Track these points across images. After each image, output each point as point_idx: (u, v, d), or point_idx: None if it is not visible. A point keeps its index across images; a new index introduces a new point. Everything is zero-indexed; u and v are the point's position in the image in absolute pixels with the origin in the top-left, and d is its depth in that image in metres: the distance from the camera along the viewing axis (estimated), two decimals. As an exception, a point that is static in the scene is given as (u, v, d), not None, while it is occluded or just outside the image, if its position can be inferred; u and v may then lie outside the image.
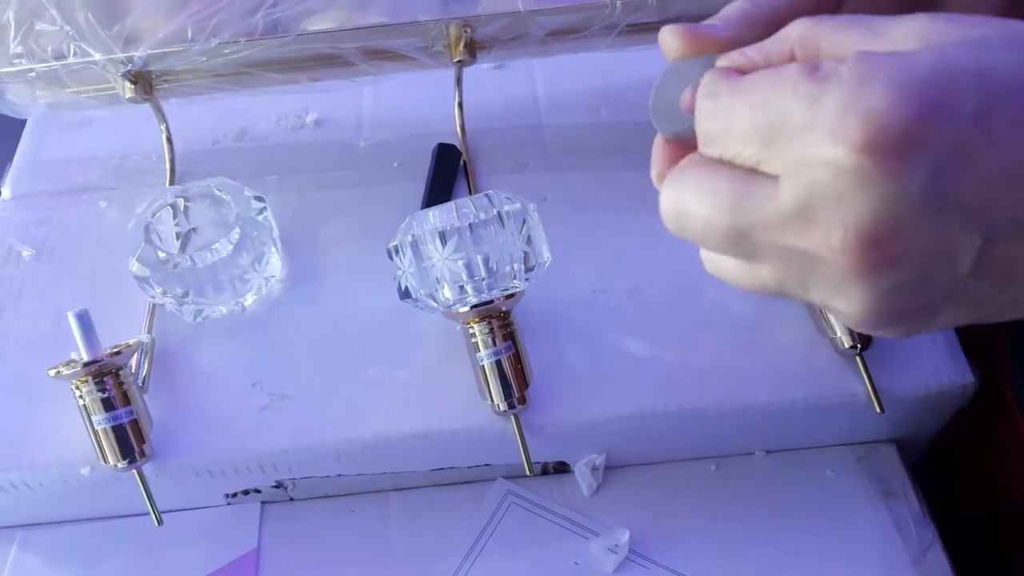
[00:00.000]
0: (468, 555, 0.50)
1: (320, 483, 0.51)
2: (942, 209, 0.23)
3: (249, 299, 0.52)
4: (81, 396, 0.45)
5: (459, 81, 0.59)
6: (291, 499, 0.52)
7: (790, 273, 0.26)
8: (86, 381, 0.45)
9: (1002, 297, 0.25)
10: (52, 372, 0.45)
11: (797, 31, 0.28)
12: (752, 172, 0.26)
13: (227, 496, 0.52)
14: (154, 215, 0.51)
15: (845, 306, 0.26)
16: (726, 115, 0.27)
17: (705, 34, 0.31)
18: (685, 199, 0.28)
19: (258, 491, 0.51)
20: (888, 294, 0.25)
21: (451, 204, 0.47)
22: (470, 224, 0.45)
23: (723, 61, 0.30)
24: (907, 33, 0.25)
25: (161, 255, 0.49)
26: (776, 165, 0.25)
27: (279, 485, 0.51)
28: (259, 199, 0.52)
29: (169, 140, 0.59)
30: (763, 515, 0.51)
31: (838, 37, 0.26)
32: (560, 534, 0.51)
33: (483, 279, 0.46)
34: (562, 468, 0.53)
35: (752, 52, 0.29)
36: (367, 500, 0.52)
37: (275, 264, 0.53)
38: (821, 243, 0.24)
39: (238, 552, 0.50)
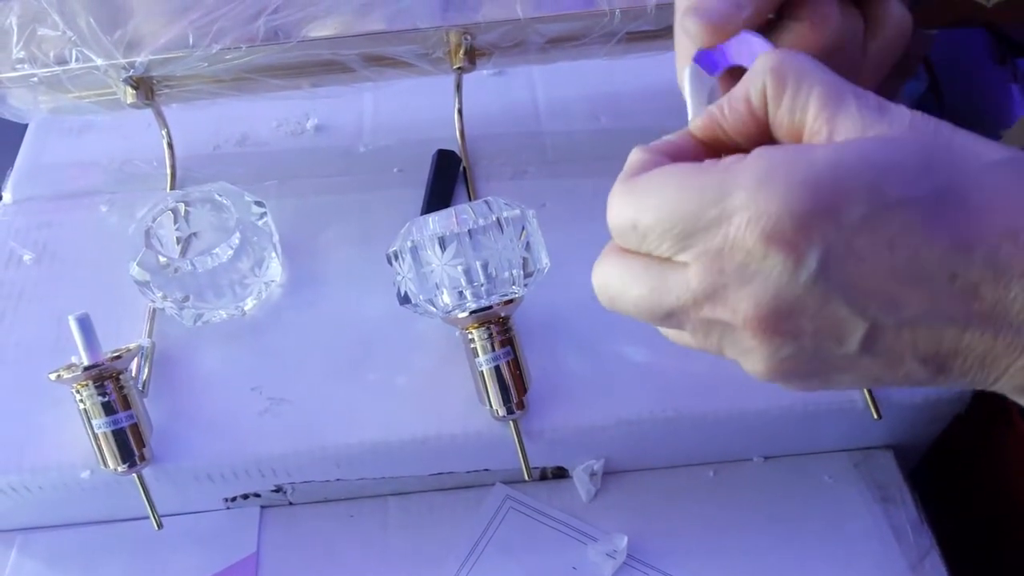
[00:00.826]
0: (466, 560, 0.50)
1: (319, 487, 0.51)
2: (829, 297, 0.26)
3: (249, 303, 0.52)
4: (81, 400, 0.45)
5: (459, 87, 0.59)
6: (290, 503, 0.52)
7: (708, 338, 0.30)
8: (86, 385, 0.45)
9: (894, 374, 0.28)
10: (53, 376, 0.45)
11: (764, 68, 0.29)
12: (666, 261, 0.29)
13: (226, 500, 0.52)
14: (155, 219, 0.51)
15: (751, 366, 0.29)
16: (635, 213, 0.29)
17: (727, 18, 0.33)
18: (612, 284, 0.32)
19: (257, 495, 0.51)
20: (786, 360, 0.28)
21: (451, 210, 0.47)
22: (469, 230, 0.46)
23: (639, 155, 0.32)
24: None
25: (162, 259, 0.49)
26: (686, 256, 0.28)
27: (278, 489, 0.51)
28: (259, 204, 0.52)
29: (170, 145, 0.59)
30: (761, 521, 0.51)
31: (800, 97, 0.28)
32: (558, 539, 0.51)
33: (482, 285, 0.46)
34: (560, 473, 0.53)
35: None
36: (366, 505, 0.52)
37: (275, 269, 0.53)
38: (729, 317, 0.28)
39: (237, 556, 0.50)
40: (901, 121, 0.27)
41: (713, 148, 0.32)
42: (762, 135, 0.30)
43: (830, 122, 0.27)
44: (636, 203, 0.29)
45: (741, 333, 0.28)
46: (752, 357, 0.29)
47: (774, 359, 0.28)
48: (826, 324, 0.26)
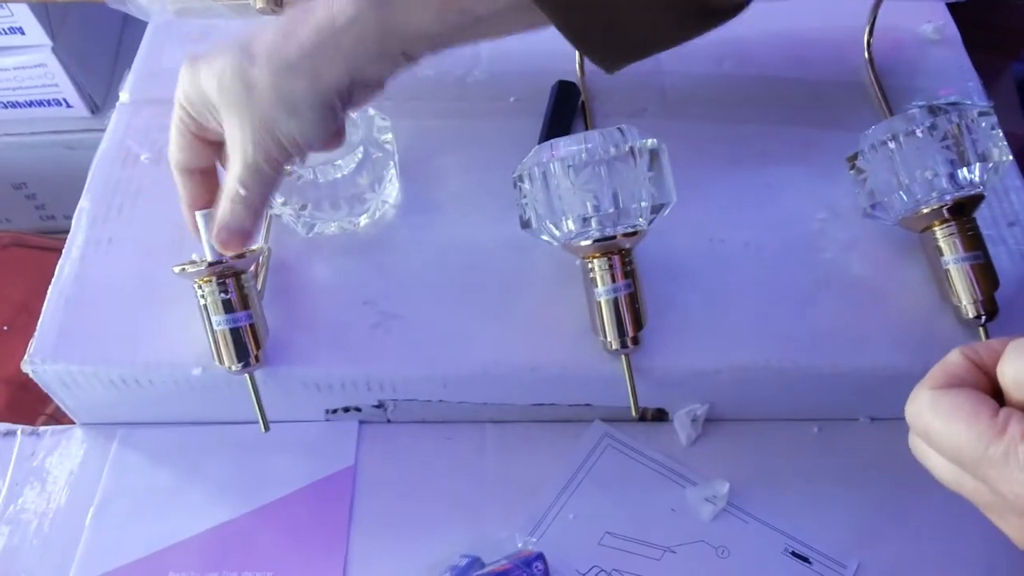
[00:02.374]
0: (564, 490, 0.50)
1: (420, 407, 0.51)
2: None
3: (363, 220, 0.52)
4: (203, 296, 0.45)
5: (584, 19, 0.57)
6: (388, 420, 0.53)
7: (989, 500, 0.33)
8: (209, 281, 0.45)
9: None
10: (177, 269, 0.45)
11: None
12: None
13: (327, 412, 0.52)
14: None
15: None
16: (927, 428, 0.34)
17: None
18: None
19: (358, 409, 0.52)
20: None
21: (581, 135, 0.46)
22: (605, 157, 0.45)
23: None
24: None
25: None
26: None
27: (380, 405, 0.51)
28: (383, 119, 0.52)
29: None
30: (864, 482, 0.50)
31: None
32: (656, 480, 0.50)
33: (609, 214, 0.45)
34: (660, 416, 0.52)
35: None
36: (463, 428, 0.52)
37: (392, 188, 0.53)
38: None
39: (336, 467, 0.51)
40: None
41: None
42: None
43: None
44: (932, 420, 0.33)
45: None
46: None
47: None
48: None
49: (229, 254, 0.45)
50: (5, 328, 0.72)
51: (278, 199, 0.50)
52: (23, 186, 0.94)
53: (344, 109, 0.43)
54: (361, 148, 0.50)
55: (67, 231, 0.53)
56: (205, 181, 0.47)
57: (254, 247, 0.47)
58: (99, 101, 0.88)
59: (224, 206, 0.44)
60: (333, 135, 0.45)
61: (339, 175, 0.49)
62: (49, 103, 0.87)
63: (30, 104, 0.87)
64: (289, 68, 0.41)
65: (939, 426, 0.33)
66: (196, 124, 0.45)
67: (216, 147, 0.46)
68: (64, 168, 0.90)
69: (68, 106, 0.87)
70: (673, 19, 0.45)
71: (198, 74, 0.43)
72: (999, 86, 1.01)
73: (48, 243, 0.81)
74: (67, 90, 0.86)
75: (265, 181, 0.43)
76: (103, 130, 0.59)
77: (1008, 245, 0.53)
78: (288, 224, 0.52)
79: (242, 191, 0.43)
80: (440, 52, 0.44)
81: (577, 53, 0.59)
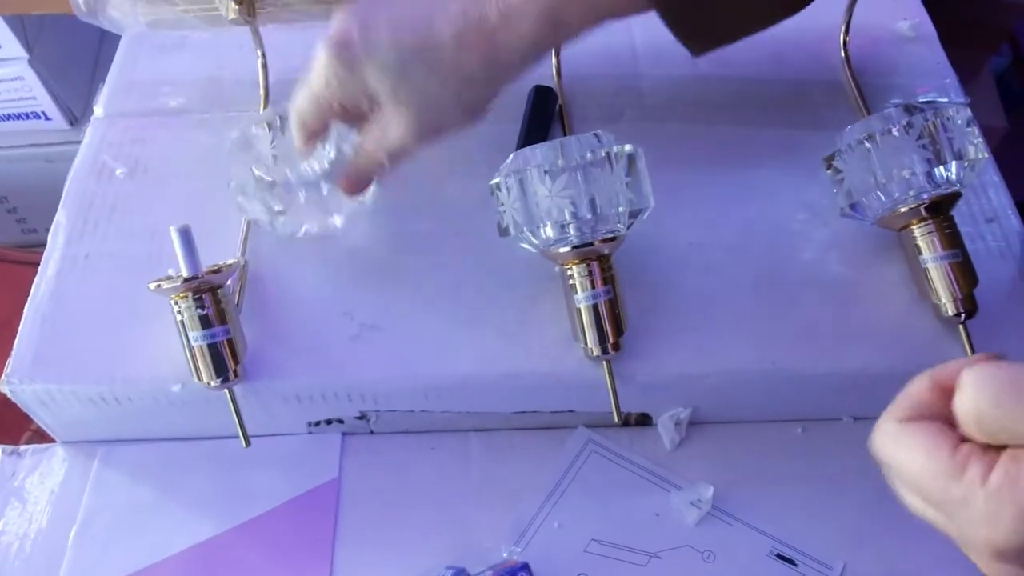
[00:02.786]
0: (548, 498, 0.50)
1: (403, 417, 0.51)
2: None
3: (338, 220, 0.52)
4: (179, 312, 0.45)
5: (560, 23, 0.57)
6: (372, 432, 0.52)
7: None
8: (185, 297, 0.45)
9: None
10: (153, 285, 0.45)
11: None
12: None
13: (310, 424, 0.52)
14: (254, 128, 0.51)
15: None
16: (891, 461, 0.33)
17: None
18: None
19: (341, 421, 0.51)
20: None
21: (557, 142, 0.46)
22: (582, 163, 0.44)
23: None
24: None
25: (256, 171, 0.49)
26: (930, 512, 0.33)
27: (362, 416, 0.51)
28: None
29: (264, 66, 0.58)
30: (850, 481, 0.50)
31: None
32: (641, 485, 0.50)
33: (587, 220, 0.45)
34: (644, 421, 0.52)
35: None
36: (447, 438, 0.52)
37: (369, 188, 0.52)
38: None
39: (320, 480, 0.51)
40: None
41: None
42: None
43: None
44: (895, 453, 0.33)
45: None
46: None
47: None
48: None
49: (351, 193, 0.49)
50: (-14, 345, 0.72)
51: (253, 201, 0.49)
52: (3, 200, 0.93)
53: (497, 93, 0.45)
54: (333, 147, 0.50)
55: (48, 245, 0.53)
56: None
57: (230, 261, 0.47)
58: (78, 113, 0.88)
59: (365, 155, 0.46)
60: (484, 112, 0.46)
61: (311, 176, 0.49)
62: (27, 116, 0.87)
63: (8, 118, 0.87)
64: (457, 59, 0.42)
65: (901, 459, 0.32)
66: (339, 108, 0.45)
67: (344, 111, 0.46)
68: (44, 181, 0.90)
69: (47, 119, 0.87)
70: (766, 1, 0.47)
71: (356, 62, 0.42)
72: (978, 81, 1.01)
73: (29, 257, 0.80)
74: (45, 103, 0.85)
75: (408, 158, 0.46)
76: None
77: (987, 242, 0.53)
78: (267, 227, 0.51)
79: (386, 162, 0.46)
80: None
81: (554, 57, 0.59)
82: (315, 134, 0.47)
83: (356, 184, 0.49)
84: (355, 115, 0.46)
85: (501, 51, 0.42)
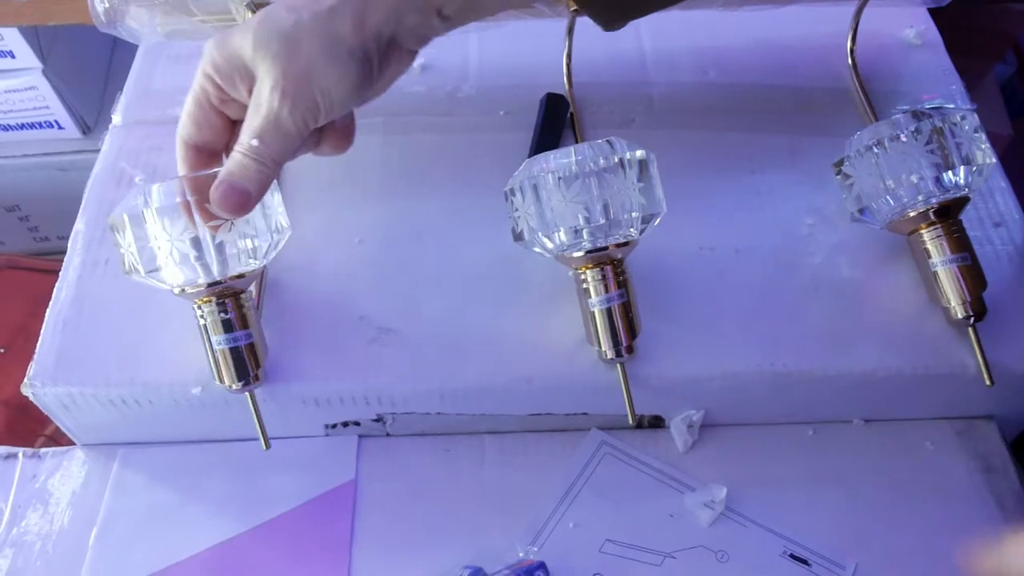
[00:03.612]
0: (563, 499, 0.50)
1: (418, 420, 0.51)
2: None
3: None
4: (203, 316, 0.45)
5: (571, 31, 0.58)
6: (387, 434, 0.53)
7: None
8: (208, 301, 0.45)
9: None
10: (176, 290, 0.46)
11: None
12: None
13: (327, 427, 0.52)
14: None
15: None
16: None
17: None
18: None
19: (357, 424, 0.52)
20: None
21: (570, 148, 0.47)
22: (595, 169, 0.45)
23: None
24: None
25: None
26: None
27: (379, 419, 0.52)
28: None
29: (280, 75, 0.59)
30: (861, 482, 0.51)
31: None
32: (654, 486, 0.51)
33: (600, 225, 0.46)
34: (657, 423, 0.53)
35: None
36: (462, 440, 0.53)
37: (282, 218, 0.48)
38: None
39: (337, 482, 0.51)
40: None
41: None
42: None
43: None
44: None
45: None
46: None
47: None
48: None
49: (223, 216, 0.43)
50: (2, 350, 0.72)
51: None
52: (16, 208, 0.94)
53: (380, 66, 0.43)
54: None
55: (61, 252, 0.54)
56: (211, 163, 0.46)
57: (254, 266, 0.48)
58: (90, 122, 0.89)
59: (233, 158, 0.42)
60: (361, 98, 0.44)
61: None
62: (40, 125, 0.88)
63: (21, 127, 0.88)
64: (331, 13, 0.40)
65: None
66: (219, 93, 0.44)
67: (231, 127, 0.46)
68: (57, 189, 0.91)
69: (59, 128, 0.88)
70: None
71: (230, 37, 0.42)
72: (982, 87, 1.02)
73: (42, 264, 0.81)
74: (58, 112, 0.86)
75: (285, 137, 0.42)
76: (95, 151, 0.59)
77: (995, 246, 0.53)
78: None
79: (255, 142, 0.41)
80: (465, 22, 0.44)
81: (564, 65, 0.60)
82: (198, 147, 0.45)
83: (233, 196, 0.42)
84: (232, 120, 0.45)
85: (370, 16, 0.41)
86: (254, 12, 0.52)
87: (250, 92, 0.42)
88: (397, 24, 0.42)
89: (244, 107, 0.43)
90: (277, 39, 0.41)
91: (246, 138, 0.42)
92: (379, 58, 0.42)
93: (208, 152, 0.46)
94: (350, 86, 0.42)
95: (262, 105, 0.41)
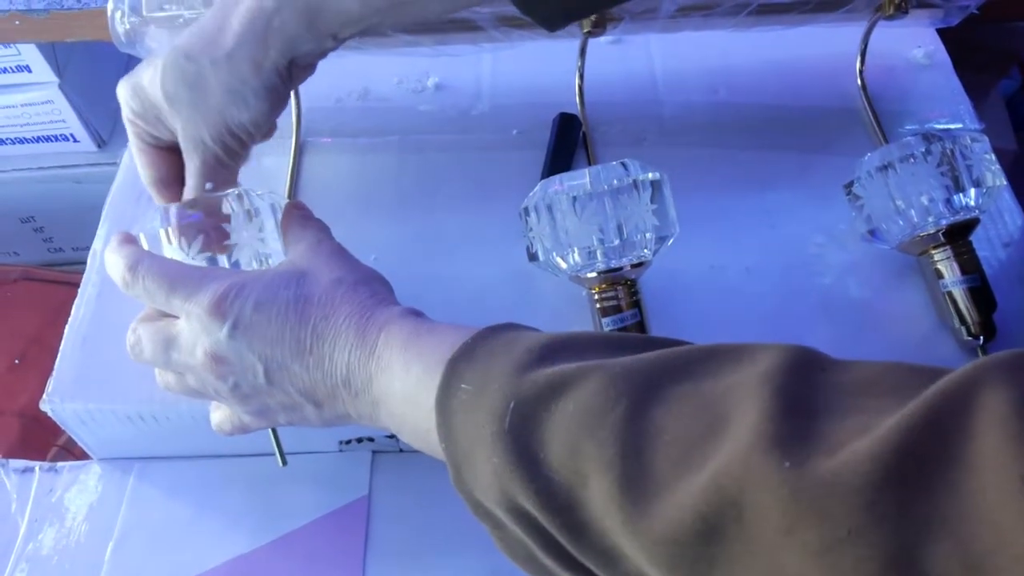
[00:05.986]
0: (575, 517, 0.51)
1: (432, 437, 0.52)
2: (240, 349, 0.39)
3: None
4: (220, 333, 0.46)
5: (583, 52, 0.59)
6: (400, 450, 0.53)
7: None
8: (225, 319, 0.46)
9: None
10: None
11: None
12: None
13: (341, 443, 0.53)
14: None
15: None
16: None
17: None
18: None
19: (371, 439, 0.53)
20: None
21: (585, 170, 0.47)
22: (609, 190, 0.46)
23: None
24: None
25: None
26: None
27: (392, 435, 0.52)
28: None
29: (296, 93, 0.60)
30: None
31: None
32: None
33: (614, 246, 0.47)
34: (667, 440, 0.53)
35: None
36: (475, 457, 0.53)
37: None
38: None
39: (350, 497, 0.52)
40: None
41: None
42: None
43: None
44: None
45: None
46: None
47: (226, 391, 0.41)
48: (240, 365, 0.40)
49: None
50: (17, 361, 0.73)
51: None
52: (31, 220, 0.95)
53: (286, 88, 0.45)
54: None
55: (75, 263, 0.54)
56: (182, 188, 0.47)
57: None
58: (105, 135, 0.90)
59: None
60: (279, 113, 0.46)
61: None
62: (56, 138, 0.89)
63: (37, 140, 0.89)
64: (229, 59, 0.42)
65: None
66: (150, 135, 0.46)
67: (177, 154, 0.47)
68: (71, 202, 0.92)
69: (75, 141, 0.89)
70: None
71: (141, 85, 0.44)
72: (987, 103, 1.03)
73: (57, 276, 0.82)
74: (74, 125, 0.87)
75: (228, 172, 0.45)
76: (109, 164, 0.60)
77: (1004, 266, 0.54)
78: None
79: (209, 186, 0.45)
80: (371, 35, 0.46)
81: (577, 85, 0.61)
82: (164, 182, 0.47)
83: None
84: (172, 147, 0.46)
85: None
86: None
87: (174, 129, 0.44)
88: (294, 52, 0.44)
89: (175, 137, 0.45)
90: (185, 89, 0.43)
91: (196, 182, 0.45)
92: (283, 83, 0.44)
93: (177, 180, 0.47)
94: (263, 116, 0.44)
95: (195, 150, 0.44)
